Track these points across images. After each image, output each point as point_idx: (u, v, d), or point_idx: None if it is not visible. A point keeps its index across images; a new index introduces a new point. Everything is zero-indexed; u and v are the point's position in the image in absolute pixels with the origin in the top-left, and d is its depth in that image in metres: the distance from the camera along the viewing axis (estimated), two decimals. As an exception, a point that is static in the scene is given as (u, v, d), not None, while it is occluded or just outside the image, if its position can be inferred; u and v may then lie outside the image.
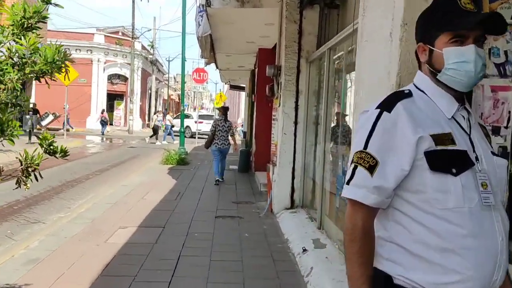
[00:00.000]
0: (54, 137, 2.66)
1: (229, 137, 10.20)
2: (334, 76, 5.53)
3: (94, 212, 6.77)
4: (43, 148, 2.57)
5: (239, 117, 36.10)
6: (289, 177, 6.91)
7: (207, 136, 11.16)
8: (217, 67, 15.90)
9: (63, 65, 2.43)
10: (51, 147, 2.55)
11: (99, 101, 33.79)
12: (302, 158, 6.87)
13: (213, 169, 10.33)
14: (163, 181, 9.90)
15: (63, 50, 2.49)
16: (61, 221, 6.42)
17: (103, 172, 11.90)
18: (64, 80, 17.81)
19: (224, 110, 10.68)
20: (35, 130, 24.70)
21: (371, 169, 1.32)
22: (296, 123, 6.87)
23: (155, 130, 24.13)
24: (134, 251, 5.04)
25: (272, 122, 7.68)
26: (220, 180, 10.00)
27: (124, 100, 35.93)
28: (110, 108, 37.27)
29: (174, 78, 75.48)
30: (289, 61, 6.84)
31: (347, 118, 5.32)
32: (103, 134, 27.88)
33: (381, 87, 2.28)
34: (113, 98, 36.32)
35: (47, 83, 2.48)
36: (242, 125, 30.22)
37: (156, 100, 47.88)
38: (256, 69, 11.81)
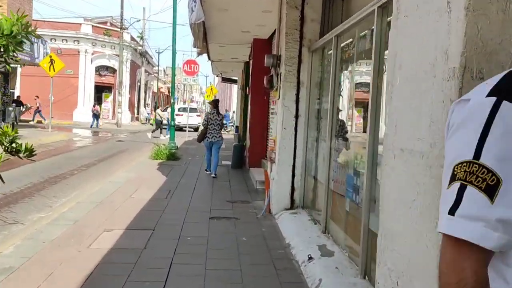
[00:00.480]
0: (17, 132, 2.12)
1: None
2: (342, 66, 5.04)
3: (77, 212, 6.23)
4: (3, 147, 2.03)
5: (230, 109, 35.58)
6: (289, 175, 6.44)
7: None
8: (209, 58, 15.33)
9: (24, 40, 1.89)
10: (13, 144, 2.02)
11: (86, 93, 32.99)
12: (303, 155, 6.39)
13: (205, 162, 10.68)
14: (153, 178, 9.37)
15: (27, 22, 1.95)
16: (41, 222, 5.87)
17: (89, 167, 11.32)
18: (49, 71, 17.08)
19: (215, 103, 10.52)
20: (19, 123, 23.96)
21: (491, 191, 0.83)
22: (297, 117, 6.39)
23: (158, 124, 23.13)
24: (120, 258, 4.53)
25: (270, 116, 7.18)
26: (213, 176, 9.90)
27: (112, 93, 35.13)
28: (98, 100, 36.42)
29: (164, 71, 74.37)
30: (290, 50, 6.34)
31: (352, 113, 4.85)
32: (91, 127, 27.39)
33: (433, 72, 1.79)
34: (101, 90, 35.49)
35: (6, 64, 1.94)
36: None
37: (145, 93, 47.07)
38: (251, 61, 11.30)
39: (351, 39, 4.97)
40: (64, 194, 7.92)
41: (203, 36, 10.29)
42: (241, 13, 8.24)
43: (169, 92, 79.92)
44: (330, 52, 5.58)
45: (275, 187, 6.48)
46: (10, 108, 15.54)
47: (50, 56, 19.39)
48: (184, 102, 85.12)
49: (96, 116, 28.09)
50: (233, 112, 34.77)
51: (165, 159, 12.28)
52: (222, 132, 10.19)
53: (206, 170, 10.42)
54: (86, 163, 11.97)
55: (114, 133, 25.03)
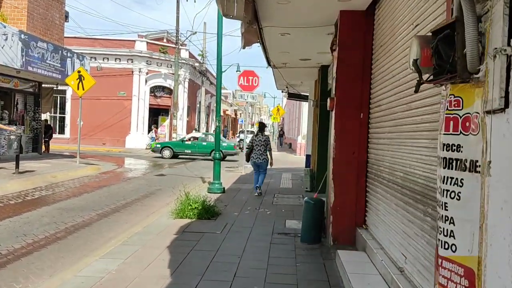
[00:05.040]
0: None
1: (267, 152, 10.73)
2: None
3: None
4: None
5: (299, 132, 30.53)
6: None
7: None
8: (269, 63, 10.69)
9: None
10: None
11: (140, 117, 29.81)
12: None
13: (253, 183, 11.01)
14: (144, 278, 4.70)
15: None
16: None
17: (71, 233, 7.00)
18: (78, 89, 13.37)
19: (259, 124, 11.49)
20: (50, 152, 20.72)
21: None
22: None
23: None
24: None
25: (451, 166, 2.16)
26: (259, 192, 10.61)
27: (169, 116, 31.77)
28: (155, 124, 33.34)
29: (233, 94, 70.91)
30: None
31: None
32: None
33: None
34: (157, 113, 32.32)
35: None
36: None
37: (208, 115, 43.74)
38: (335, 52, 6.45)
39: None
40: None
41: (251, 10, 5.60)
42: None
43: (236, 114, 76.69)
44: None
45: None
46: (12, 137, 11.88)
47: (79, 72, 15.82)
48: (252, 125, 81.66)
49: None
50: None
51: (194, 217, 7.64)
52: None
53: (255, 189, 10.75)
54: (77, 222, 7.72)
55: (170, 162, 21.19)
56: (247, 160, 11.05)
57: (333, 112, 6.36)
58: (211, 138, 23.48)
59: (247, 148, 11.09)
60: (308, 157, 14.27)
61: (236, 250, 5.86)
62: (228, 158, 22.81)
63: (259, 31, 6.86)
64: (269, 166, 10.89)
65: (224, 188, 10.94)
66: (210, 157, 22.75)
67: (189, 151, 23.26)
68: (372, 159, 5.84)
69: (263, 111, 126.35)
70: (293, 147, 35.71)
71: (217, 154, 10.85)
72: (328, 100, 6.50)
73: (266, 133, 11.62)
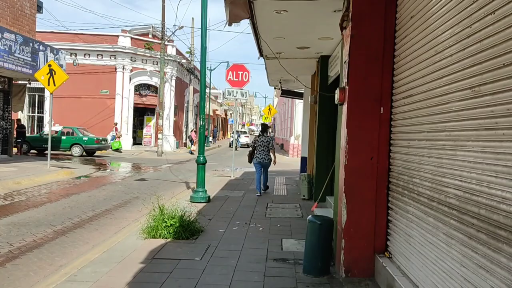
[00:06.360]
0: None
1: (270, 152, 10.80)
2: None
3: None
4: None
5: (292, 133, 29.04)
6: None
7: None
8: (260, 53, 9.29)
9: None
10: None
11: (124, 116, 28.22)
12: None
13: (255, 183, 11.07)
14: None
15: None
16: None
17: (13, 259, 5.56)
18: (48, 85, 11.71)
19: (262, 126, 11.51)
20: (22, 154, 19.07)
21: None
22: None
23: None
24: None
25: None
26: (259, 194, 10.52)
27: (155, 115, 30.23)
28: (140, 124, 31.81)
29: (223, 93, 69.24)
30: None
31: None
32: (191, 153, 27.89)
33: None
34: (142, 112, 30.77)
35: None
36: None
37: (197, 115, 42.17)
38: (347, 30, 5.03)
39: None
40: None
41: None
42: None
43: (226, 115, 75.00)
44: None
45: None
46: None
47: (49, 66, 14.27)
48: (243, 126, 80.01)
49: (192, 140, 29.02)
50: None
51: (170, 236, 6.20)
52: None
53: (258, 190, 10.67)
54: (25, 242, 6.29)
55: (155, 164, 19.71)
56: (250, 161, 10.94)
57: (344, 106, 4.97)
58: (74, 133, 22.25)
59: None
60: (303, 159, 12.90)
61: (222, 283, 4.43)
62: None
63: (249, 6, 5.44)
64: (272, 165, 11.03)
65: (209, 196, 9.51)
66: (69, 152, 21.78)
67: (47, 146, 22.09)
68: (398, 166, 4.46)
69: (254, 111, 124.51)
70: (285, 148, 34.36)
71: (201, 158, 9.41)
72: (337, 91, 5.10)
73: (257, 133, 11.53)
